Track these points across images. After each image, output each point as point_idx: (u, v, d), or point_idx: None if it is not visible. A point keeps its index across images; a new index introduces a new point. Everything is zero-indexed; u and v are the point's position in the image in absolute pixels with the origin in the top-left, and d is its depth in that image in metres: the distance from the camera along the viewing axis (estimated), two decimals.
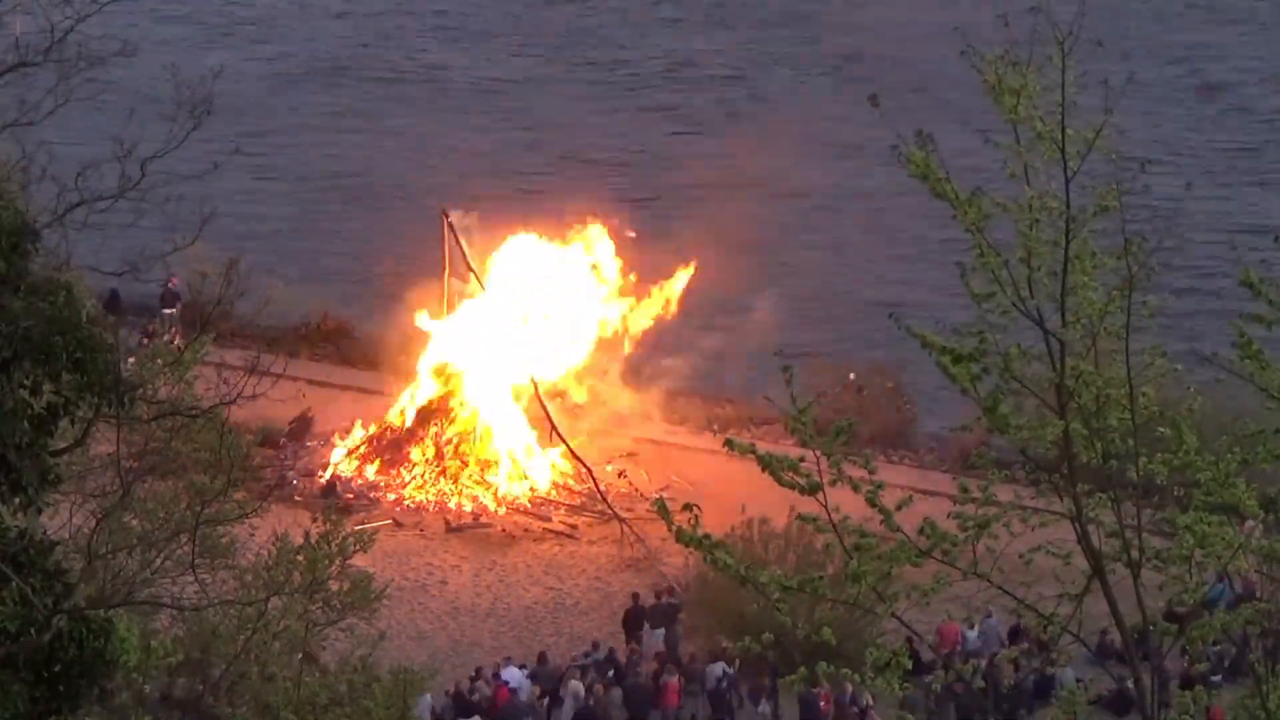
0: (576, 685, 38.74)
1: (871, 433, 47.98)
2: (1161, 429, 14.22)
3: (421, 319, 49.71)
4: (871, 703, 36.34)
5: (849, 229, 64.66)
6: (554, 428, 42.90)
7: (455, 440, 48.77)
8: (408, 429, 49.14)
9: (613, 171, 68.55)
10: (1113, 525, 14.10)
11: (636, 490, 45.53)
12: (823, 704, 37.78)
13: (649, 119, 74.52)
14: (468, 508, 47.46)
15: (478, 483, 48.07)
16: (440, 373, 49.42)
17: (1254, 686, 14.47)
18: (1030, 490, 14.34)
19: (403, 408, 49.49)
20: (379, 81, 78.76)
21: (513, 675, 38.78)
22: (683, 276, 50.15)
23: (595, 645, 40.65)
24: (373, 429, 49.37)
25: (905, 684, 14.42)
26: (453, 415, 48.99)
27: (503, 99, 76.85)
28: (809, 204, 65.68)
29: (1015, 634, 38.49)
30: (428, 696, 37.29)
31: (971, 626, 39.86)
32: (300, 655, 26.14)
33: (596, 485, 45.33)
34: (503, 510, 47.50)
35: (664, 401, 50.99)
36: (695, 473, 46.69)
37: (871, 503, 13.88)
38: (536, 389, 46.36)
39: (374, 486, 48.02)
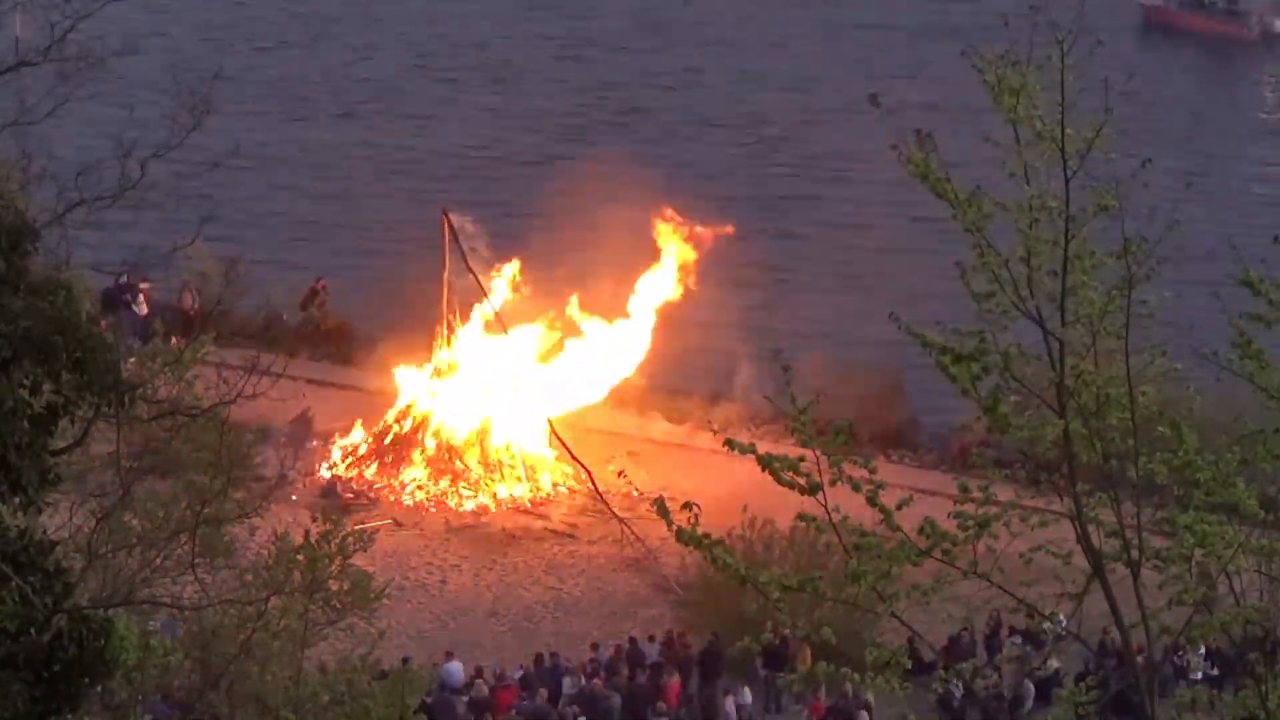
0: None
1: (872, 432, 47.98)
2: (1161, 428, 14.21)
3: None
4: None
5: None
6: (552, 428, 42.93)
7: (452, 443, 48.77)
8: (407, 432, 49.12)
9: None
10: (1113, 525, 14.09)
11: (636, 490, 45.45)
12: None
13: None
14: (468, 508, 47.44)
15: (478, 483, 48.06)
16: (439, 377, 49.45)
17: (1254, 687, 14.46)
18: (1030, 490, 14.33)
19: (402, 410, 49.46)
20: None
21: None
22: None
23: (595, 646, 40.61)
24: (373, 431, 49.35)
25: (905, 685, 14.42)
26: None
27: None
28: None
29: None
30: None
31: None
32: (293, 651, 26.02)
33: (595, 486, 45.26)
34: (503, 510, 47.51)
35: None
36: (695, 473, 46.65)
37: (872, 502, 13.87)
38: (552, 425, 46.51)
39: (374, 486, 48.00)
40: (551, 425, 43.73)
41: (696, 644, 40.76)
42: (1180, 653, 32.63)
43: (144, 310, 52.50)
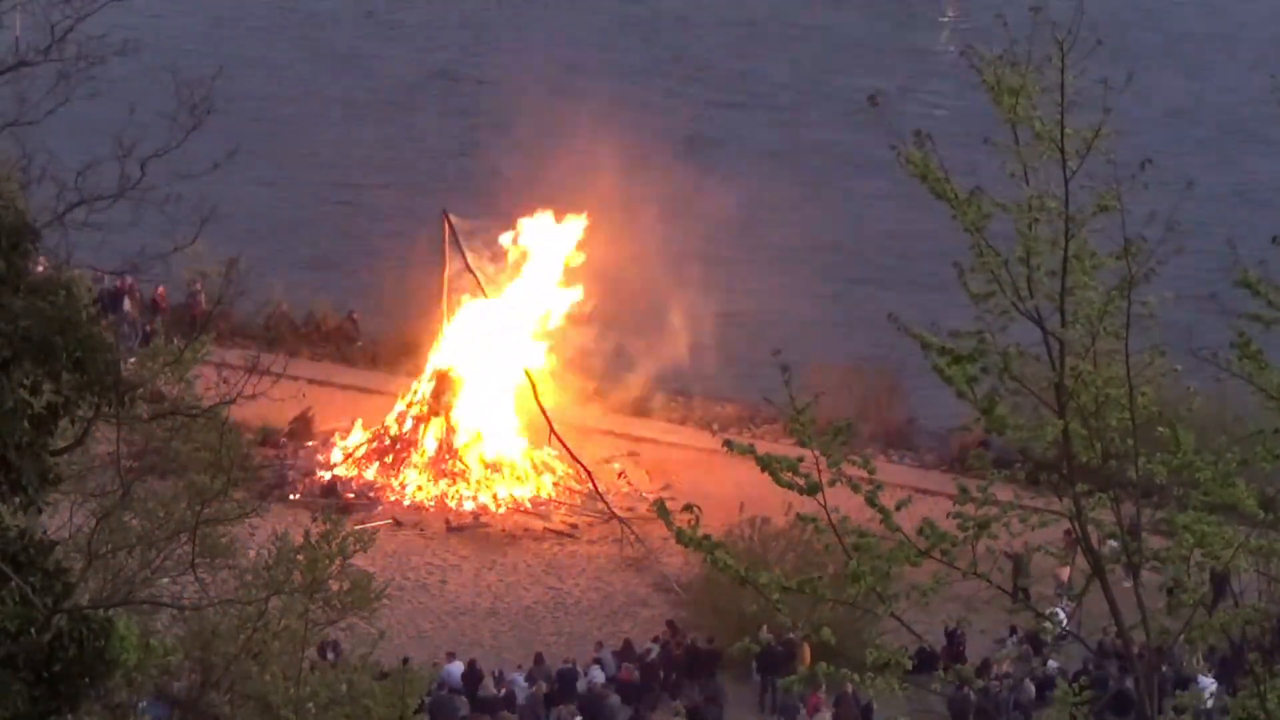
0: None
1: (871, 432, 48.02)
2: (1161, 429, 14.21)
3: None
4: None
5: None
6: (552, 429, 42.90)
7: (453, 442, 48.78)
8: (407, 432, 49.14)
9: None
10: (1112, 525, 14.08)
11: (637, 490, 45.54)
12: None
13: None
14: (468, 507, 47.47)
15: (479, 483, 48.08)
16: (439, 379, 49.43)
17: (1253, 686, 14.46)
18: (1030, 490, 14.33)
19: (401, 410, 49.49)
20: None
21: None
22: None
23: (599, 645, 40.62)
24: (373, 430, 49.37)
25: (906, 685, 14.42)
26: (451, 423, 48.96)
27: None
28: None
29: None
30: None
31: None
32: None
33: (595, 486, 45.31)
34: (503, 510, 47.51)
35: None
36: (695, 473, 46.69)
37: (871, 503, 13.87)
38: (536, 391, 46.38)
39: (374, 486, 48.02)
40: (551, 425, 43.68)
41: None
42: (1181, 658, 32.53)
43: (133, 313, 52.67)
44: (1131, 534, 13.90)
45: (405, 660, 34.57)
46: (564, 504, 47.90)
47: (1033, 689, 37.90)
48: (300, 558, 26.48)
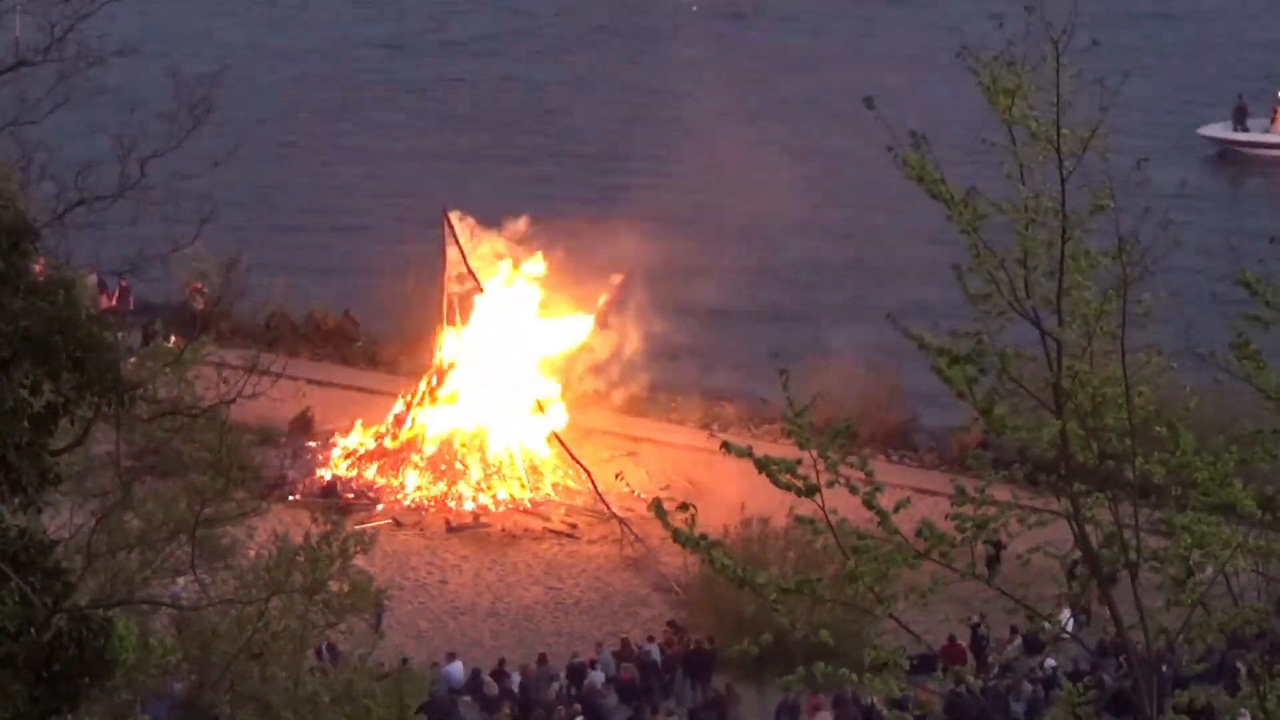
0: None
1: (871, 433, 47.97)
2: (1159, 429, 14.22)
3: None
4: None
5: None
6: (552, 429, 43.00)
7: (454, 442, 48.77)
8: (406, 433, 49.14)
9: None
10: (1110, 525, 14.09)
11: (635, 490, 45.49)
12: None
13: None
14: (468, 507, 47.44)
15: (478, 484, 48.05)
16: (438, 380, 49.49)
17: (1253, 686, 14.47)
18: (1028, 490, 14.33)
19: (401, 410, 49.47)
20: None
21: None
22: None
23: (599, 645, 40.62)
24: (374, 431, 49.35)
25: (904, 685, 14.43)
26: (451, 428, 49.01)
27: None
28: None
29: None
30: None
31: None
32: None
33: (594, 486, 45.29)
34: (502, 510, 47.50)
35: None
36: (695, 473, 46.66)
37: (869, 505, 13.87)
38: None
39: (374, 486, 48.00)
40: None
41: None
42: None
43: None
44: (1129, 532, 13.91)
45: (405, 660, 34.60)
46: (564, 504, 47.85)
47: (1032, 688, 37.92)
48: (300, 558, 26.52)
